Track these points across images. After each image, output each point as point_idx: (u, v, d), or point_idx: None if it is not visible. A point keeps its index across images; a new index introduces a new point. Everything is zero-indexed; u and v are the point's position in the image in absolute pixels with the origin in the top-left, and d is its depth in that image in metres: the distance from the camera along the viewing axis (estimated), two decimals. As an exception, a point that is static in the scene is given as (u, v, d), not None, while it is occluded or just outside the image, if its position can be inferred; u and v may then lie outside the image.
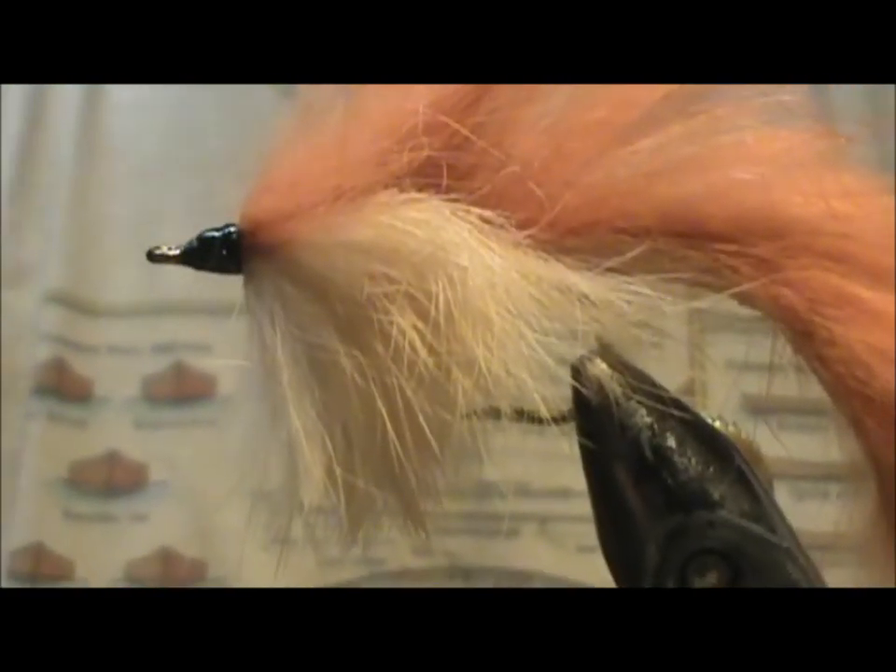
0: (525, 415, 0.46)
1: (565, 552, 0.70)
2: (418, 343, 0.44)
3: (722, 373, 0.74)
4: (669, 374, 0.72)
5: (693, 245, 0.45)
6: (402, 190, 0.45)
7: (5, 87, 0.80)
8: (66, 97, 0.78)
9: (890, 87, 0.80)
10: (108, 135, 0.78)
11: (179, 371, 0.76)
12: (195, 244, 0.47)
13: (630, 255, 0.45)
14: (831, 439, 0.46)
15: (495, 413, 0.46)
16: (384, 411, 0.44)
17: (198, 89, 0.79)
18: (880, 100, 0.79)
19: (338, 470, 0.45)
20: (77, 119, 0.77)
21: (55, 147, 0.78)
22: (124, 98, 0.79)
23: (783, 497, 0.70)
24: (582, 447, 0.47)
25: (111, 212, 0.77)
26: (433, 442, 0.44)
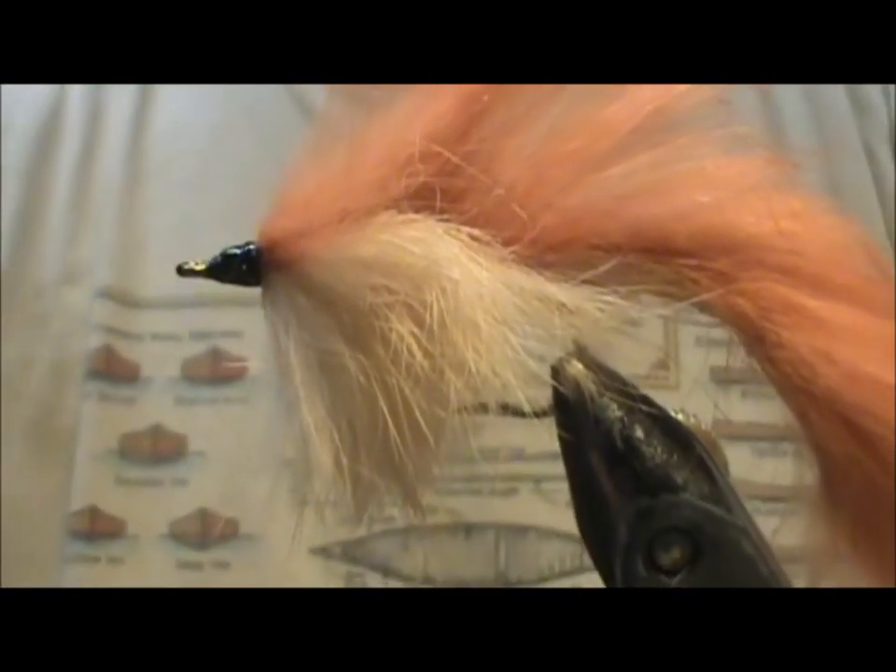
0: (509, 410, 0.46)
1: (556, 507, 0.70)
2: (415, 347, 0.43)
3: (693, 350, 0.73)
4: (646, 352, 0.72)
5: (658, 260, 0.45)
6: (401, 212, 0.44)
7: (63, 122, 0.79)
8: (116, 126, 0.78)
9: (837, 116, 0.79)
10: (152, 157, 0.77)
11: (214, 355, 0.75)
12: (218, 259, 0.46)
13: (603, 268, 0.44)
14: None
15: (483, 409, 0.45)
16: (385, 407, 0.43)
17: (230, 116, 0.79)
18: (828, 130, 0.77)
19: (344, 460, 0.44)
20: (125, 144, 0.77)
21: (106, 169, 0.77)
22: (165, 125, 0.78)
23: (745, 455, 0.70)
24: (561, 439, 0.46)
25: (153, 222, 0.76)
26: (429, 435, 0.44)
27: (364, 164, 0.45)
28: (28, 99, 0.80)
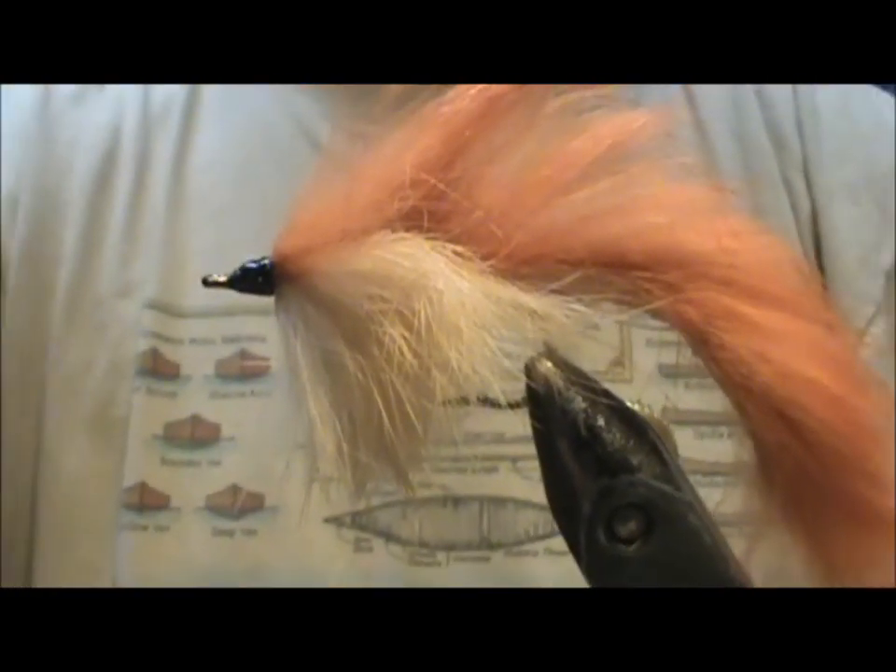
0: (488, 402, 0.44)
1: (531, 482, 0.68)
2: (405, 348, 0.41)
3: (644, 350, 0.71)
4: (605, 351, 0.71)
5: (616, 273, 0.43)
6: (393, 231, 0.43)
7: (117, 163, 0.77)
8: (161, 165, 0.77)
9: (760, 152, 0.77)
10: (190, 190, 0.76)
11: (243, 356, 0.74)
12: (238, 272, 0.45)
13: (568, 280, 0.42)
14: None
15: (465, 402, 0.43)
16: (379, 400, 0.42)
17: (255, 153, 0.77)
18: (752, 164, 0.77)
19: (345, 446, 0.43)
20: (168, 180, 0.76)
21: (153, 201, 0.76)
22: (201, 163, 0.77)
23: (689, 438, 0.68)
24: (533, 427, 0.44)
25: (193, 244, 0.75)
26: (417, 424, 0.42)
27: (361, 190, 0.43)
28: (86, 143, 0.79)
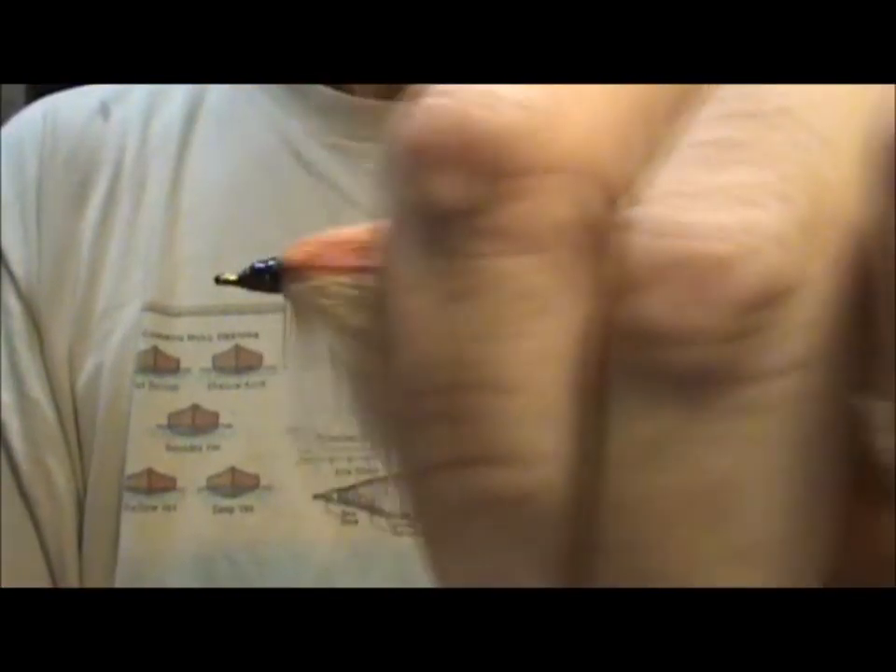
0: None
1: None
2: None
3: None
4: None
5: None
6: None
7: (120, 188, 0.73)
8: (158, 187, 0.74)
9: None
10: (186, 203, 0.73)
11: (237, 351, 0.70)
12: (248, 272, 0.41)
13: None
14: None
15: None
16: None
17: (244, 169, 0.73)
18: None
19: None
20: (165, 199, 0.73)
21: (150, 219, 0.74)
22: (195, 181, 0.74)
23: None
24: None
25: (187, 252, 0.72)
26: None
27: None
28: (92, 181, 0.75)
